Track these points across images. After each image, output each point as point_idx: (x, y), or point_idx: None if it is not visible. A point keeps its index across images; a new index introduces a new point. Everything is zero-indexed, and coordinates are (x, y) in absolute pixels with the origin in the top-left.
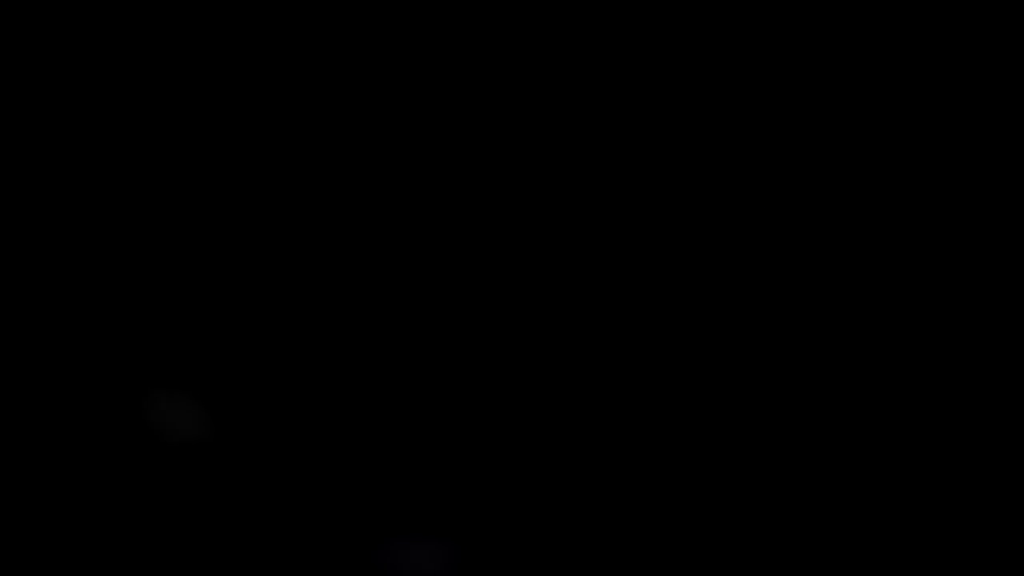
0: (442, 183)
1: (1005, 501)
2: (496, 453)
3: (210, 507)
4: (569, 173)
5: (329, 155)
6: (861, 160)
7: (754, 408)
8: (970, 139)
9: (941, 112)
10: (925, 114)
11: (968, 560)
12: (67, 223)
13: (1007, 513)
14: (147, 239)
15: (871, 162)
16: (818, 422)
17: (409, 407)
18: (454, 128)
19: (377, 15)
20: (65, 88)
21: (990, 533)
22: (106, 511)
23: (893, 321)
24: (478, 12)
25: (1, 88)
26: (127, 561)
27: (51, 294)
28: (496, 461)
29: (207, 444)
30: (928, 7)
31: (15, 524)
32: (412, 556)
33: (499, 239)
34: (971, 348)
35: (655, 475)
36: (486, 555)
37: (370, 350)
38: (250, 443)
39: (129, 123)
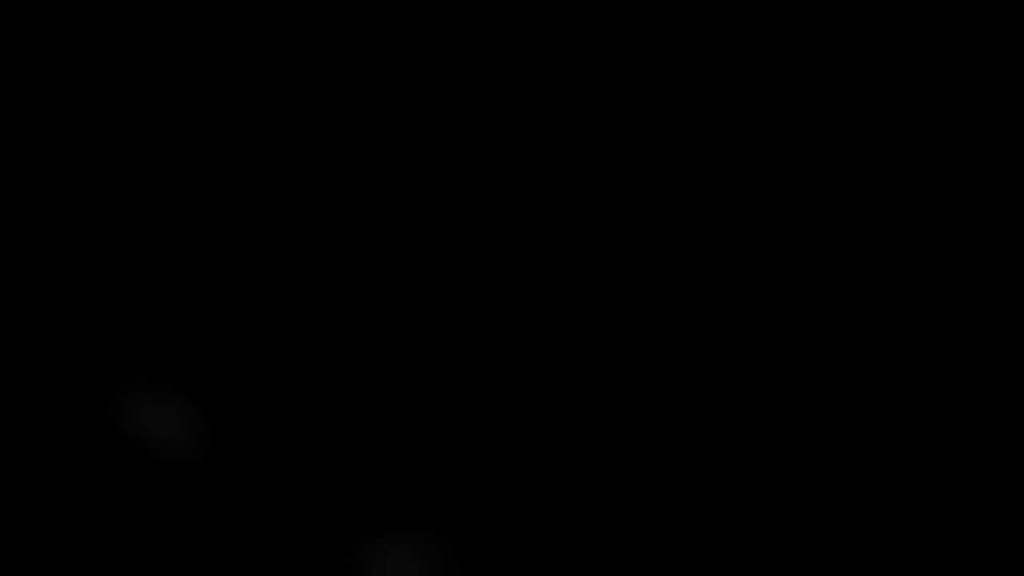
0: (442, 183)
1: (1005, 501)
2: (491, 451)
3: (207, 506)
4: (569, 173)
5: (329, 155)
6: (861, 160)
7: (754, 407)
8: (970, 139)
9: (941, 112)
10: (925, 114)
11: (968, 560)
12: (63, 224)
13: (1007, 513)
14: (144, 239)
15: (871, 162)
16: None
17: (404, 404)
18: (454, 128)
19: (377, 15)
20: (64, 87)
21: (990, 533)
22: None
23: (893, 320)
24: (478, 12)
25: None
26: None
27: (46, 296)
28: (491, 459)
29: (201, 442)
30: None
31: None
32: (406, 551)
33: (498, 238)
34: (971, 347)
35: (653, 474)
36: (482, 552)
37: (366, 349)
38: (246, 443)
39: (127, 121)
